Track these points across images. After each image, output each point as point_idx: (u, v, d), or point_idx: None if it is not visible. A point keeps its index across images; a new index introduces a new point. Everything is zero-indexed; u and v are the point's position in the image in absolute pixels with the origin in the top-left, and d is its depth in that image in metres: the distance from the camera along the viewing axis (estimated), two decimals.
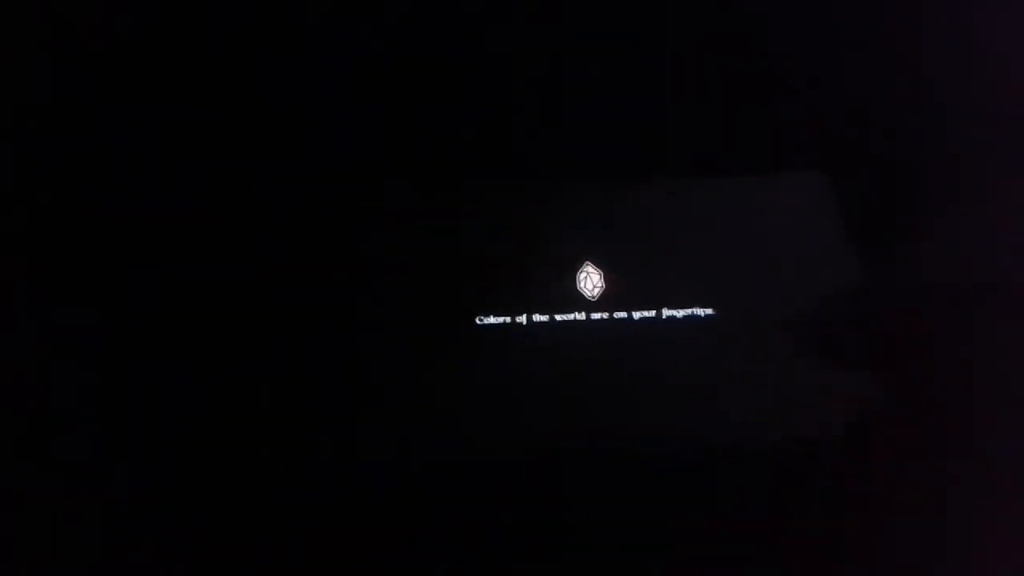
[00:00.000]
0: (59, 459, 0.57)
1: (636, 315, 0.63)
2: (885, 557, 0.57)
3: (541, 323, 0.62)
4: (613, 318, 0.62)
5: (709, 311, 0.62)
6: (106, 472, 0.58)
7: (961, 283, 0.62)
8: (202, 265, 0.62)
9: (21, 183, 0.61)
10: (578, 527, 0.58)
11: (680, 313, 0.62)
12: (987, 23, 0.62)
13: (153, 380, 0.59)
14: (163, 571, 0.56)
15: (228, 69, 0.64)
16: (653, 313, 0.62)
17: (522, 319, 0.62)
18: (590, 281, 0.63)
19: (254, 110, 0.64)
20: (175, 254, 0.61)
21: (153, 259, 0.61)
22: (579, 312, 0.63)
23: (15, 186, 0.61)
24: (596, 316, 0.63)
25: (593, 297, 0.63)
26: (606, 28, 0.63)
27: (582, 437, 0.61)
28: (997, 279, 0.62)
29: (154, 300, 0.60)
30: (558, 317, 0.62)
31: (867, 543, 0.58)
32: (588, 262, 0.63)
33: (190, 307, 0.61)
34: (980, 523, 0.57)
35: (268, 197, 0.63)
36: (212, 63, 0.64)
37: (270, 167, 0.64)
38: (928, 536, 0.57)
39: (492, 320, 0.62)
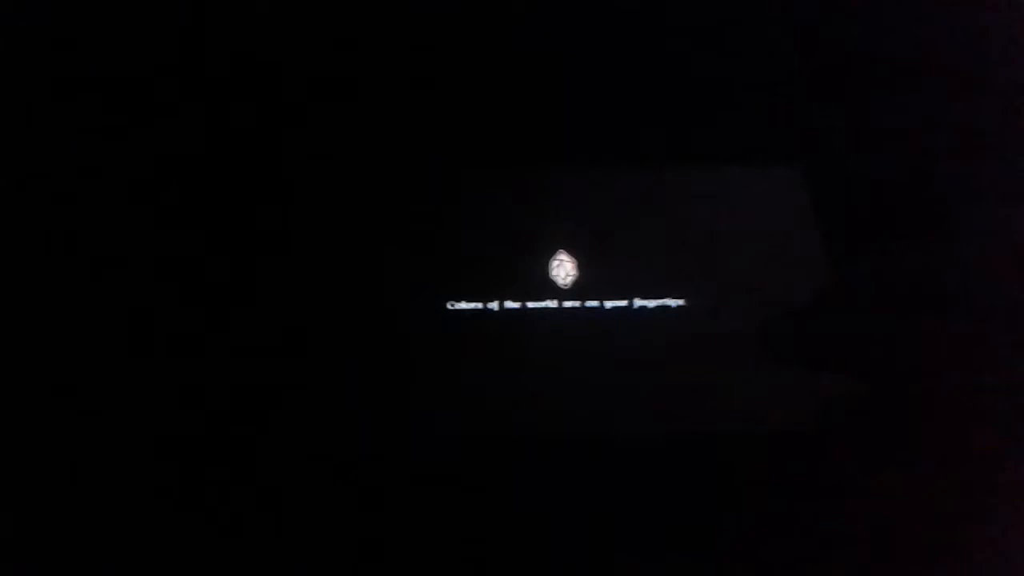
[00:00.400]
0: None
1: (608, 304, 0.62)
2: (860, 550, 0.58)
3: (512, 310, 0.62)
4: (585, 307, 0.62)
5: (680, 301, 0.62)
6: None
7: (934, 279, 0.62)
8: (173, 254, 0.61)
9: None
10: (548, 514, 0.59)
11: (651, 303, 0.62)
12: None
13: (127, 373, 0.59)
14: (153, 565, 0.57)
15: (205, 56, 0.62)
16: (625, 303, 0.62)
17: (494, 305, 0.62)
18: (563, 269, 0.63)
19: (231, 99, 0.63)
20: (149, 243, 0.61)
21: (130, 250, 0.61)
22: (551, 300, 0.62)
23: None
24: (568, 304, 0.62)
25: (566, 285, 0.63)
26: (583, 17, 0.61)
27: (551, 424, 0.61)
28: (973, 275, 0.62)
29: (127, 289, 0.60)
30: (530, 304, 0.62)
31: (838, 535, 0.59)
32: (561, 250, 0.63)
33: (159, 295, 0.60)
34: (954, 521, 0.58)
35: (239, 184, 0.62)
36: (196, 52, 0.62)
37: (240, 154, 0.62)
38: (902, 530, 0.59)
39: (463, 306, 0.62)
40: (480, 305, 0.62)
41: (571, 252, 0.63)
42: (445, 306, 0.62)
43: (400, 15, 0.60)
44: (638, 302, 0.62)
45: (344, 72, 0.62)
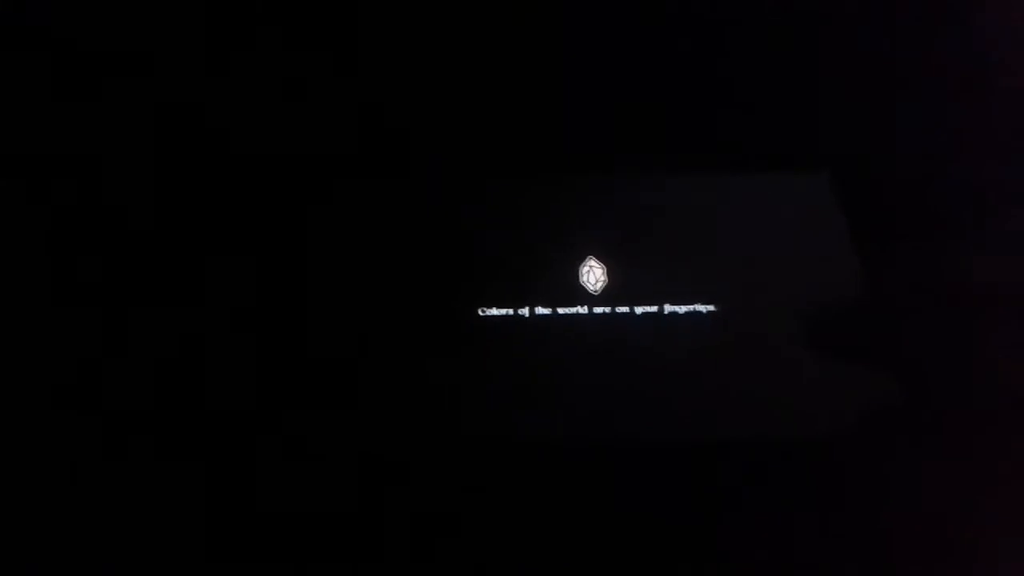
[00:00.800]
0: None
1: (638, 310, 0.63)
2: (885, 555, 0.58)
3: (543, 316, 0.63)
4: (615, 312, 0.63)
5: (711, 307, 0.63)
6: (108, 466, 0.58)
7: (964, 284, 0.62)
8: (207, 259, 0.62)
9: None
10: (578, 518, 0.59)
11: (682, 309, 0.63)
12: (993, 25, 0.62)
13: (163, 371, 0.60)
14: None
15: (220, 65, 0.64)
16: (655, 308, 0.63)
17: (524, 311, 0.63)
18: (593, 275, 0.63)
19: (253, 108, 0.64)
20: (184, 250, 0.62)
21: (161, 251, 0.62)
22: (581, 306, 0.63)
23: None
24: (598, 310, 0.63)
25: (596, 291, 0.63)
26: (611, 24, 0.62)
27: (582, 429, 0.61)
28: (999, 280, 0.62)
29: (183, 294, 0.61)
30: (560, 310, 0.63)
31: (866, 540, 0.58)
32: (591, 256, 0.63)
33: (195, 300, 0.61)
34: (980, 523, 0.58)
35: (274, 192, 0.63)
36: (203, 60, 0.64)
37: (275, 162, 0.64)
38: (928, 535, 0.58)
39: (495, 312, 0.63)
40: (511, 311, 0.63)
41: (601, 258, 0.63)
42: (476, 312, 0.63)
43: (431, 24, 0.62)
44: (668, 307, 0.63)
45: (373, 82, 0.63)
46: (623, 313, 0.63)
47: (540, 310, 0.63)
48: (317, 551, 0.57)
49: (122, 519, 0.57)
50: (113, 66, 0.63)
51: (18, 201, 0.61)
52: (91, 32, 0.63)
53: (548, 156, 0.64)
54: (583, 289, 0.63)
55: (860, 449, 0.60)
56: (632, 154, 0.63)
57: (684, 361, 0.62)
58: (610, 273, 0.63)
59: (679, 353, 0.62)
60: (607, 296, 0.63)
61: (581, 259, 0.64)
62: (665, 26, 0.62)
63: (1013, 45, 0.63)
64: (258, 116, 0.63)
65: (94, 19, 0.62)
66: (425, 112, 0.63)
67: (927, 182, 0.63)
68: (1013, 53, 0.62)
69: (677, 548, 0.58)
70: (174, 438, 0.59)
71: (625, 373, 0.62)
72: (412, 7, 0.63)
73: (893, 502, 0.59)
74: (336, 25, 0.64)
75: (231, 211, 0.63)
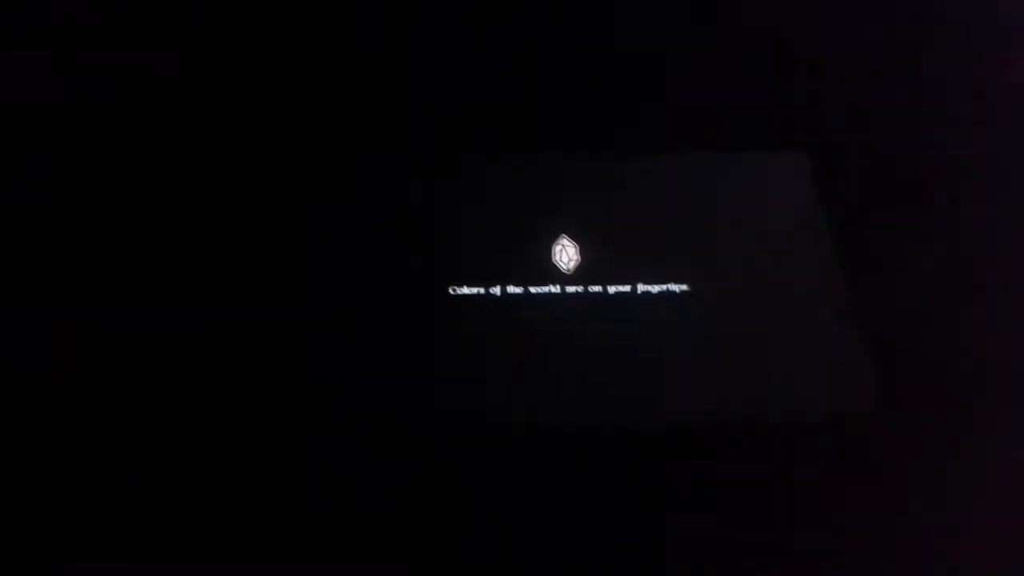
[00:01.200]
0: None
1: (611, 289, 0.62)
2: (858, 534, 0.56)
3: (515, 295, 0.62)
4: (588, 292, 0.62)
5: (684, 287, 0.62)
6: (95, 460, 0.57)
7: (933, 267, 0.63)
8: (178, 241, 0.61)
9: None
10: (547, 498, 0.57)
11: (655, 288, 0.62)
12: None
13: (136, 355, 0.58)
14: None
15: (201, 42, 0.64)
16: (628, 288, 0.62)
17: (496, 290, 0.62)
18: (565, 254, 0.63)
19: (233, 88, 0.64)
20: (158, 235, 0.61)
21: (137, 239, 0.61)
22: (554, 285, 0.62)
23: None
24: (571, 289, 0.62)
25: (568, 271, 0.63)
26: (585, 5, 0.63)
27: (553, 409, 0.60)
28: (970, 265, 0.63)
29: (144, 278, 0.60)
30: (532, 289, 0.62)
31: (837, 519, 0.57)
32: (564, 235, 0.63)
33: (169, 284, 0.60)
34: (955, 511, 0.57)
35: (244, 170, 0.63)
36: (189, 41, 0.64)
37: (244, 140, 0.63)
38: (902, 522, 0.57)
39: (466, 291, 0.62)
40: (482, 290, 0.62)
41: (574, 237, 0.63)
42: (447, 290, 0.62)
43: (411, 7, 0.62)
44: (641, 287, 0.62)
45: (350, 61, 0.63)
46: (596, 292, 0.62)
47: (512, 289, 0.62)
48: (282, 529, 0.55)
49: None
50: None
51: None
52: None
53: (521, 135, 0.64)
54: (556, 268, 0.63)
55: (835, 428, 0.59)
56: (606, 133, 0.63)
57: (657, 341, 0.61)
58: (583, 252, 0.63)
59: (652, 332, 0.61)
60: (580, 275, 0.62)
61: (554, 238, 0.63)
62: (635, 8, 0.63)
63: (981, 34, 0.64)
64: (229, 96, 0.63)
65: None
66: (395, 90, 0.63)
67: (902, 162, 0.63)
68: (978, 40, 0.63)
69: (649, 529, 0.57)
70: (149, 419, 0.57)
71: (598, 352, 0.61)
72: None
73: (870, 486, 0.58)
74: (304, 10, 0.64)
75: (199, 193, 0.62)
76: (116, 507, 0.55)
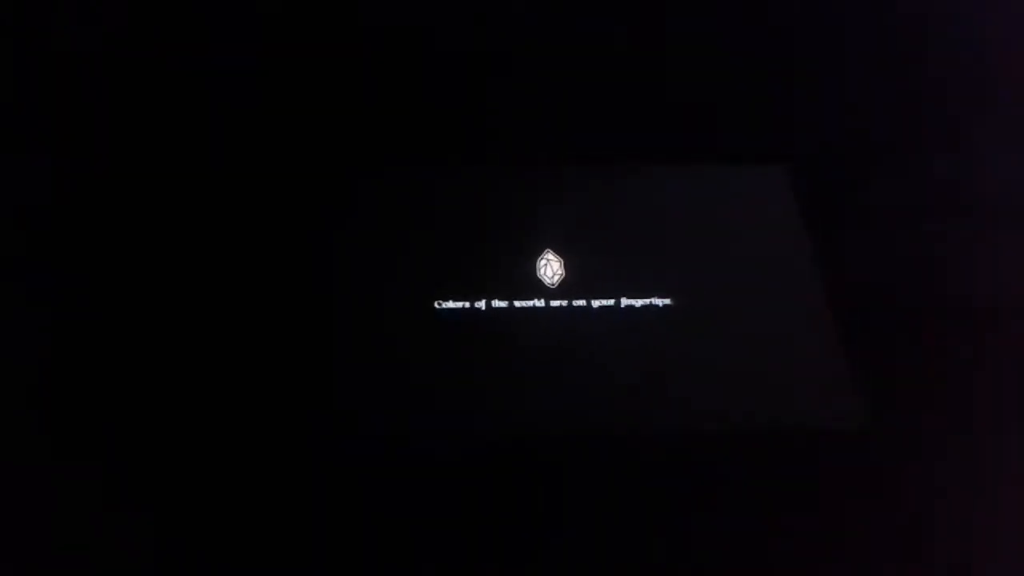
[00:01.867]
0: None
1: (595, 303, 0.62)
2: (860, 551, 0.57)
3: (500, 309, 0.62)
4: (572, 306, 0.62)
5: (667, 301, 0.62)
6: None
7: (920, 277, 0.63)
8: (170, 255, 0.62)
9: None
10: (530, 509, 0.58)
11: (639, 302, 0.62)
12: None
13: (120, 366, 0.59)
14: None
15: (194, 57, 0.65)
16: (612, 302, 0.62)
17: (481, 305, 0.62)
18: (550, 268, 0.63)
19: (223, 100, 0.64)
20: (151, 249, 0.61)
21: (125, 247, 0.61)
22: (538, 299, 0.62)
23: None
24: (555, 303, 0.62)
25: (553, 285, 0.63)
26: (571, 17, 0.63)
27: (538, 423, 0.60)
28: (964, 273, 0.63)
29: (129, 285, 0.60)
30: (517, 303, 0.62)
31: (823, 532, 0.57)
32: (548, 249, 0.63)
33: (158, 298, 0.61)
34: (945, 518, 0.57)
35: (230, 183, 0.63)
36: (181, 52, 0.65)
37: (231, 155, 0.64)
38: (900, 529, 0.57)
39: (451, 305, 0.62)
40: (467, 304, 0.62)
41: (558, 251, 0.63)
42: (432, 305, 0.62)
43: (394, 17, 0.62)
44: (625, 301, 0.63)
45: (334, 76, 0.63)
46: (580, 306, 0.62)
47: (497, 303, 0.62)
48: (264, 540, 0.56)
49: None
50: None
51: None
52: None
53: (503, 149, 0.64)
54: (540, 282, 0.63)
55: (820, 441, 0.59)
56: (590, 148, 0.64)
57: (640, 355, 0.61)
58: (567, 266, 0.63)
59: (636, 347, 0.62)
60: (564, 289, 0.63)
61: (538, 252, 0.63)
62: (625, 18, 0.63)
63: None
64: (224, 112, 0.64)
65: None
66: (382, 104, 0.64)
67: (886, 175, 0.63)
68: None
69: (632, 541, 0.57)
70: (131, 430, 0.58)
71: (582, 367, 0.61)
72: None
73: (861, 496, 0.58)
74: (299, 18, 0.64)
75: (189, 208, 0.62)
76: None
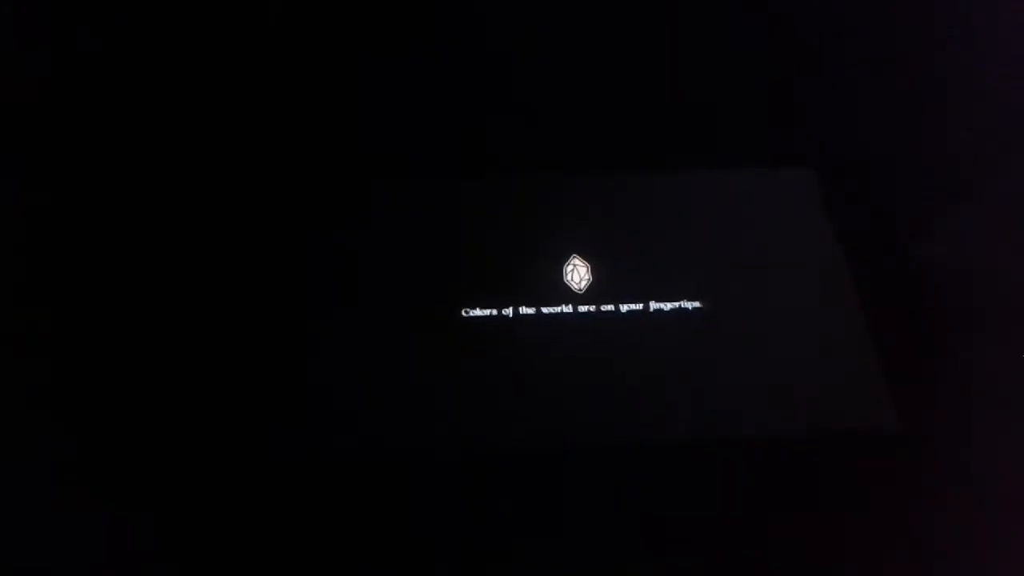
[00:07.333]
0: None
1: (623, 308, 0.62)
2: (876, 556, 0.56)
3: (527, 315, 0.62)
4: (600, 311, 0.62)
5: (696, 304, 0.62)
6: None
7: (952, 281, 0.62)
8: (189, 259, 0.61)
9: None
10: (563, 520, 0.57)
11: (668, 306, 0.62)
12: (987, 21, 0.63)
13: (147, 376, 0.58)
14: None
15: (215, 62, 0.65)
16: (640, 306, 0.62)
17: (508, 311, 0.62)
18: (577, 274, 0.63)
19: (246, 105, 0.65)
20: (170, 252, 0.61)
21: (141, 252, 0.61)
22: (566, 305, 0.62)
23: None
24: (583, 309, 0.62)
25: (580, 290, 0.62)
26: (593, 23, 0.63)
27: (568, 431, 0.60)
28: (987, 276, 0.62)
29: (152, 294, 0.60)
30: (544, 310, 0.62)
31: (855, 541, 0.56)
32: (575, 255, 0.63)
33: (174, 303, 0.60)
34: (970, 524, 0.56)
35: (256, 191, 0.63)
36: (199, 58, 0.65)
37: (260, 160, 0.64)
38: (918, 537, 0.56)
39: (478, 312, 0.62)
40: (495, 311, 0.62)
41: (585, 256, 0.63)
42: (460, 313, 0.62)
43: (421, 24, 0.62)
44: (654, 305, 0.62)
45: (362, 82, 0.64)
46: (608, 311, 0.62)
47: (524, 310, 0.62)
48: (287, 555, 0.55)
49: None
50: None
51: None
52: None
53: (529, 156, 0.64)
54: (567, 288, 0.63)
55: (849, 448, 0.59)
56: (617, 152, 0.64)
57: (671, 359, 0.61)
58: (594, 271, 0.63)
59: (665, 351, 0.61)
60: (591, 295, 0.62)
61: (565, 258, 0.63)
62: (647, 23, 0.63)
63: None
64: (241, 117, 0.64)
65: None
66: (409, 112, 0.64)
67: (912, 179, 0.63)
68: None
69: (668, 548, 0.56)
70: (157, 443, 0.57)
71: (611, 372, 0.61)
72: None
73: (880, 503, 0.57)
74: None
75: (208, 211, 0.62)
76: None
